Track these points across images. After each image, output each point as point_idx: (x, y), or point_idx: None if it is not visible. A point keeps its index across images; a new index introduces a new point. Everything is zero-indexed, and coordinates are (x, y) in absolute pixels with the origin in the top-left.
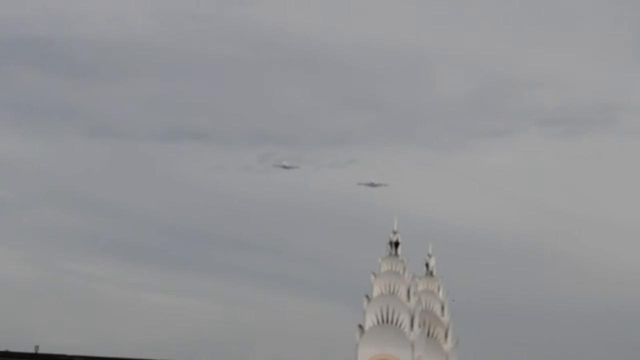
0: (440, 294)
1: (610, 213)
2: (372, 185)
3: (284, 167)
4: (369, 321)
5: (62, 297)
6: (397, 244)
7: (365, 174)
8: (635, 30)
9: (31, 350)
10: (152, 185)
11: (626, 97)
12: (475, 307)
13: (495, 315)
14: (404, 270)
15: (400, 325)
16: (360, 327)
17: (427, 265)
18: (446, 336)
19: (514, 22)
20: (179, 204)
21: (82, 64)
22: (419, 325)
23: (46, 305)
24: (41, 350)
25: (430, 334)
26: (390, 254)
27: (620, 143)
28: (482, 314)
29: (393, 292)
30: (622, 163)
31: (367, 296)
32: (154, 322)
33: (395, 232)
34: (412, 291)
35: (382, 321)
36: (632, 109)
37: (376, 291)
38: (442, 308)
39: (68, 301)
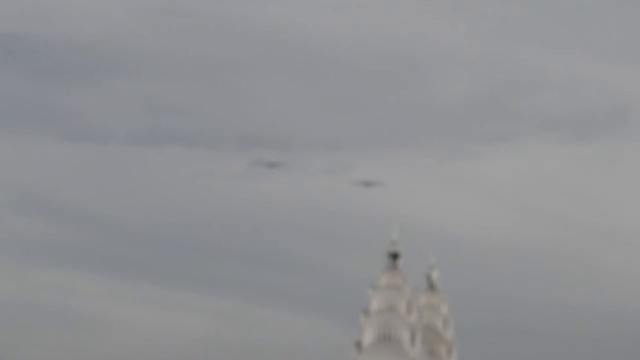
0: (444, 309)
1: (619, 219)
2: (366, 184)
3: (269, 165)
4: (367, 338)
5: (39, 312)
6: (396, 255)
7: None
8: None
9: None
10: (133, 192)
11: (635, 100)
12: (480, 322)
13: (503, 330)
14: (404, 283)
15: (400, 342)
16: (357, 344)
17: (429, 277)
18: (449, 354)
19: (521, 23)
20: (161, 212)
21: (56, 63)
22: (420, 342)
23: (22, 320)
24: None
25: (433, 351)
26: (390, 266)
27: (630, 147)
28: (488, 330)
29: (392, 307)
30: (632, 167)
31: (364, 311)
32: (135, 337)
33: (394, 243)
34: (412, 306)
35: (381, 338)
36: None
37: (374, 305)
38: (445, 324)
39: (45, 316)
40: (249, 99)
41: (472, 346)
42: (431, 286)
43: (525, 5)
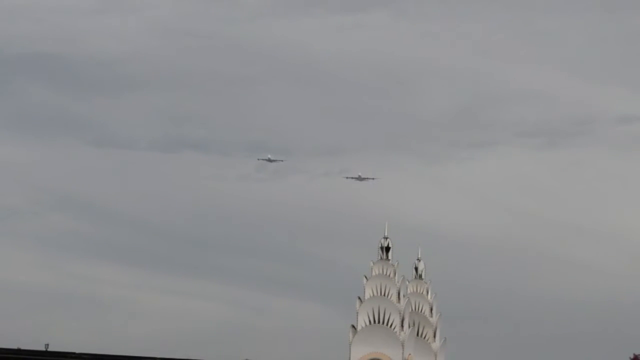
0: (429, 296)
1: (586, 217)
2: (359, 179)
3: (269, 160)
4: (361, 322)
5: (70, 299)
6: (387, 249)
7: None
8: (610, 47)
9: (41, 348)
10: (153, 192)
11: (602, 111)
12: (462, 308)
13: (481, 315)
14: (395, 274)
15: (391, 325)
16: (353, 327)
17: (416, 268)
18: (434, 335)
19: (499, 42)
20: (178, 210)
21: (85, 78)
22: (409, 326)
23: (55, 306)
24: (51, 348)
25: (420, 333)
26: (382, 258)
27: (595, 152)
28: (469, 315)
29: (384, 294)
30: (598, 172)
31: (359, 298)
32: (156, 322)
33: (386, 238)
34: (402, 293)
35: (374, 322)
36: (606, 122)
37: (368, 293)
38: (431, 309)
39: (75, 302)
40: (257, 110)
41: (453, 328)
42: (418, 276)
43: (503, 26)
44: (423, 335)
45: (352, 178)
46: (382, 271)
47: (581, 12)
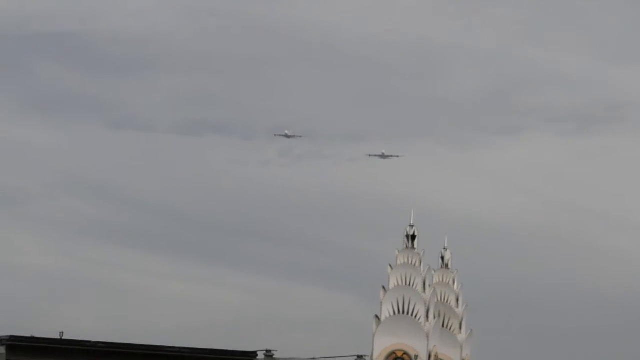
0: (455, 286)
1: (617, 205)
2: (383, 156)
3: (287, 136)
4: (385, 312)
5: (85, 285)
6: (413, 237)
7: (382, 169)
8: None
9: (56, 336)
10: (173, 177)
11: (632, 96)
12: (489, 298)
13: (509, 306)
14: (420, 263)
15: (416, 316)
16: (377, 317)
17: (442, 258)
18: (460, 327)
19: (528, 24)
20: (199, 196)
21: (105, 59)
22: (434, 317)
23: (70, 292)
24: (65, 336)
25: (445, 324)
26: (407, 247)
27: (627, 139)
28: (496, 306)
29: (409, 284)
30: (628, 158)
31: (383, 287)
32: (173, 309)
33: (412, 226)
34: (427, 283)
35: (398, 312)
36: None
37: (392, 282)
38: (457, 299)
39: (91, 289)
40: (280, 93)
41: (479, 319)
42: (444, 265)
43: (531, 7)
44: (449, 327)
45: (376, 156)
46: (408, 260)
47: None
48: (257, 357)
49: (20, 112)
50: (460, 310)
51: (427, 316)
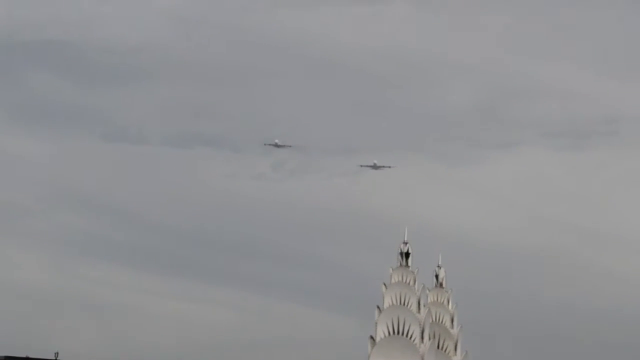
0: (450, 305)
1: (614, 223)
2: (375, 167)
3: (277, 145)
4: (380, 332)
5: (79, 303)
6: (407, 255)
7: (375, 184)
8: (636, 43)
9: (51, 356)
10: (165, 191)
11: (628, 109)
12: (484, 318)
13: (505, 327)
14: (415, 281)
15: (411, 337)
16: (372, 338)
17: (436, 276)
18: (455, 348)
19: (522, 37)
20: (190, 210)
21: (97, 68)
22: (429, 338)
23: (64, 310)
24: (61, 357)
25: (440, 346)
26: (401, 265)
27: (621, 153)
28: (491, 326)
29: (404, 303)
30: (623, 172)
31: (378, 307)
32: (167, 328)
33: (405, 243)
34: (422, 302)
35: (393, 332)
36: (634, 121)
37: (387, 302)
38: (452, 320)
39: (84, 306)
40: (272, 105)
41: (475, 339)
42: (439, 284)
43: (526, 19)
44: (444, 348)
45: (368, 166)
46: (402, 278)
47: (610, 7)
48: None
49: (11, 122)
50: (455, 331)
51: (422, 337)
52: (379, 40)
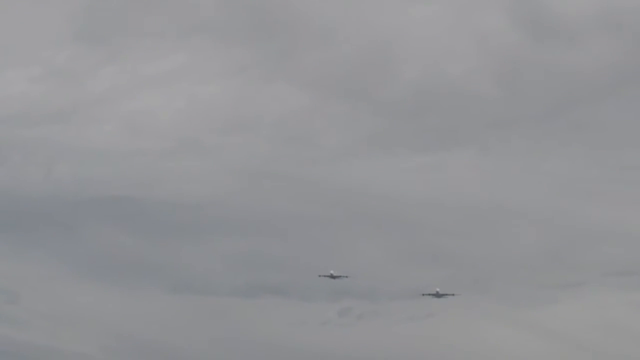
0: None
1: None
2: (437, 295)
3: (332, 277)
4: None
5: None
6: None
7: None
8: None
9: None
10: (233, 340)
11: None
12: None
13: None
14: None
15: None
16: None
17: None
18: None
19: (583, 181)
20: (260, 358)
21: (164, 222)
22: None
23: None
24: None
25: None
26: None
27: None
28: None
29: None
30: None
31: None
32: None
33: None
34: None
35: None
36: None
37: None
38: None
39: None
40: (336, 253)
41: None
42: None
43: (589, 163)
44: None
45: (430, 295)
46: None
47: None
48: None
49: (78, 277)
50: None
51: None
52: (442, 189)
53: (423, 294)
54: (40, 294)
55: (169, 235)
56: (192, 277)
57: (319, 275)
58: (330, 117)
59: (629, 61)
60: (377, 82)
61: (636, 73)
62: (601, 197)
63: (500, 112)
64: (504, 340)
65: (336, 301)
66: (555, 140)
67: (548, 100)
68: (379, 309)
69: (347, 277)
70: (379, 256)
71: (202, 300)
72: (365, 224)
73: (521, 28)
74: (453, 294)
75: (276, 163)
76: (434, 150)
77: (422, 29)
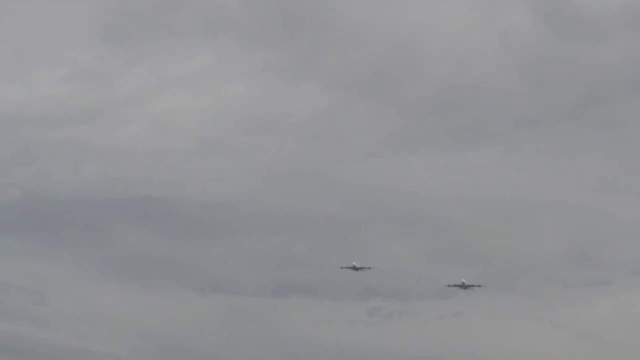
0: None
1: None
2: (463, 286)
3: (355, 268)
4: None
5: None
6: None
7: (472, 326)
8: None
9: None
10: (261, 340)
11: None
12: None
13: None
14: None
15: None
16: None
17: None
18: None
19: (611, 175)
20: (287, 358)
21: (190, 222)
22: None
23: None
24: None
25: None
26: None
27: None
28: None
29: None
30: None
31: None
32: None
33: None
34: None
35: None
36: None
37: None
38: None
39: None
40: (363, 252)
41: None
42: None
43: (616, 160)
44: None
45: (456, 286)
46: None
47: None
48: None
49: (106, 277)
50: None
51: None
52: (469, 187)
53: (449, 285)
54: (67, 295)
55: (196, 234)
56: (219, 276)
57: (341, 267)
58: (355, 116)
59: None
60: (402, 81)
61: None
62: (629, 195)
63: (526, 110)
64: (532, 338)
65: (365, 301)
66: (582, 137)
67: (574, 97)
68: (407, 308)
69: (370, 268)
70: (406, 255)
71: (229, 299)
72: (392, 223)
73: (547, 24)
74: (479, 285)
75: (302, 162)
76: (460, 149)
77: (447, 27)
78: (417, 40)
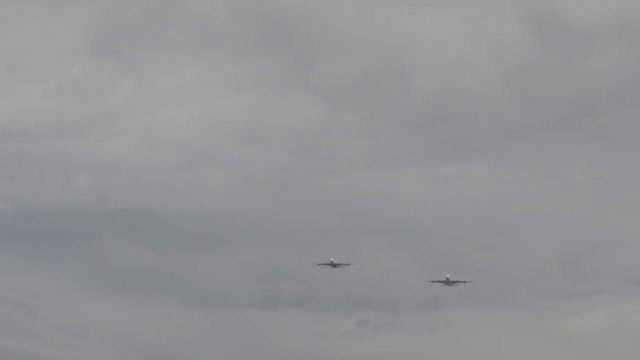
0: None
1: None
2: (447, 282)
3: (332, 265)
4: None
5: None
6: None
7: (462, 337)
8: None
9: None
10: (251, 352)
11: None
12: None
13: None
14: None
15: None
16: None
17: None
18: None
19: (601, 185)
20: None
21: (180, 235)
22: None
23: None
24: None
25: None
26: None
27: None
28: None
29: None
30: None
31: None
32: None
33: None
34: None
35: None
36: None
37: None
38: None
39: None
40: (355, 264)
41: None
42: None
43: (605, 171)
44: None
45: (440, 282)
46: None
47: None
48: None
49: (97, 290)
50: None
51: None
52: (458, 198)
53: (432, 281)
54: (58, 308)
55: (186, 247)
56: (209, 289)
57: (318, 264)
58: (345, 127)
59: None
60: (392, 92)
61: None
62: (619, 206)
63: (516, 121)
64: (522, 349)
65: (354, 312)
66: (572, 148)
67: (564, 108)
68: (397, 320)
69: (348, 264)
70: (396, 266)
71: (219, 312)
72: (382, 235)
73: (536, 36)
74: (464, 282)
75: (292, 174)
76: (450, 160)
77: (437, 39)
78: (406, 52)
